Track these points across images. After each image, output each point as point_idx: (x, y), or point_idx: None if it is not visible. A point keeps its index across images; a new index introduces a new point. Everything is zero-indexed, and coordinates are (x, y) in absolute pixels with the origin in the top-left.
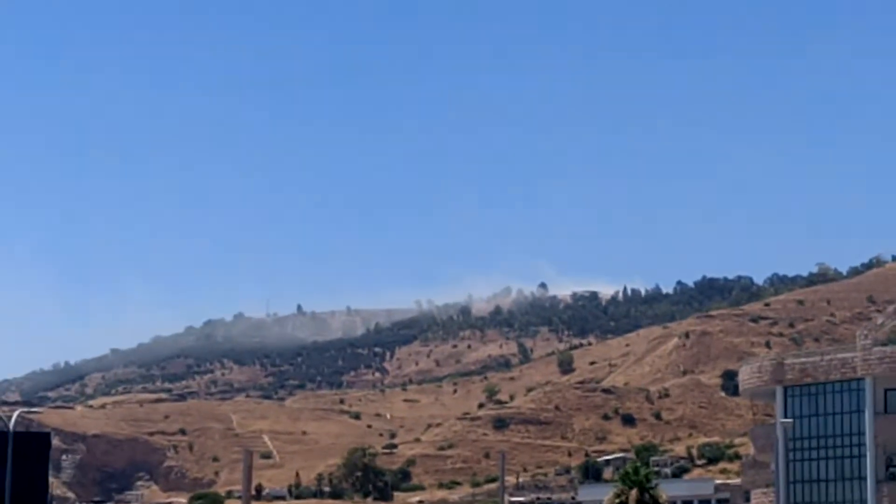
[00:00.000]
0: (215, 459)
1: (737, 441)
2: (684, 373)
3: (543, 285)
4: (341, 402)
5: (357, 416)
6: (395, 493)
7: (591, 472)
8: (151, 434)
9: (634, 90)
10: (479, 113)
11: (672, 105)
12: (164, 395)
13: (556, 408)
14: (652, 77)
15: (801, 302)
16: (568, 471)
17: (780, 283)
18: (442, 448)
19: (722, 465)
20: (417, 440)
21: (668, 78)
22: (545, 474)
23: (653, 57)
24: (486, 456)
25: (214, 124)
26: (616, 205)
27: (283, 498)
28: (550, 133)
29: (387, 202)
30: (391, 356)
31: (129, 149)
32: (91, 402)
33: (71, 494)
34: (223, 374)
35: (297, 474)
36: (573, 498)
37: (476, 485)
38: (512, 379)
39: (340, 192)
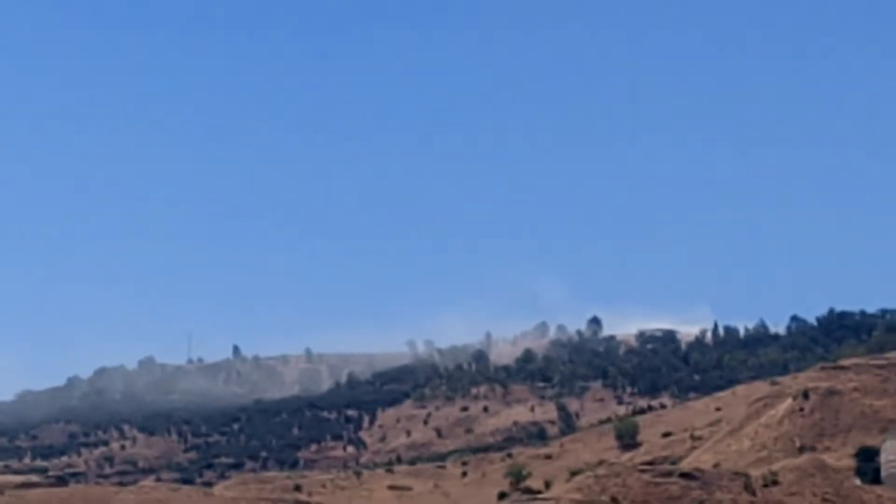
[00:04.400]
0: None
1: None
2: (801, 450)
3: (595, 321)
4: (297, 489)
5: None
6: None
7: None
8: None
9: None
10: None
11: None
12: (34, 478)
13: (614, 500)
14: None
15: None
16: None
17: None
18: None
19: None
20: None
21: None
22: None
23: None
24: None
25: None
26: (702, 218)
27: None
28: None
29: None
30: (371, 422)
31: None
32: None
33: None
34: (122, 448)
35: None
36: None
37: None
38: (548, 458)
39: (296, 209)
